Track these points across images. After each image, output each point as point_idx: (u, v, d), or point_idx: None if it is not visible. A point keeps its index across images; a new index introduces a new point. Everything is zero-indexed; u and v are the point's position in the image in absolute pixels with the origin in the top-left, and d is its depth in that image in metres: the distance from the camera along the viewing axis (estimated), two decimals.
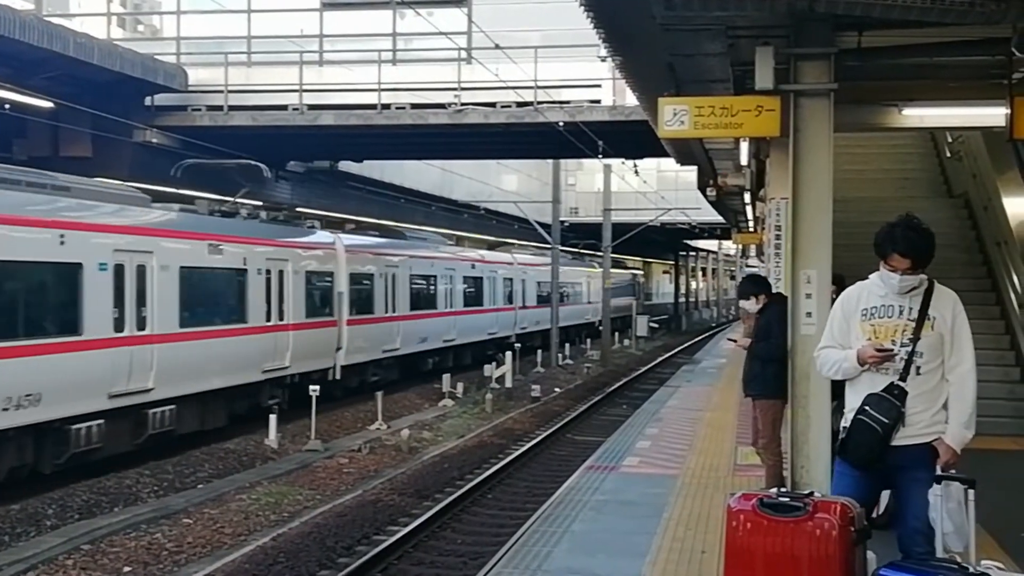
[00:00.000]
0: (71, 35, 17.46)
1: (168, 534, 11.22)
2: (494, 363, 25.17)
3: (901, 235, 5.03)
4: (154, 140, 19.98)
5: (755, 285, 9.16)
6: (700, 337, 47.91)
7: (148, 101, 20.58)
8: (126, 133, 19.13)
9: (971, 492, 5.51)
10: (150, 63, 19.63)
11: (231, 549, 10.74)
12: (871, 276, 5.26)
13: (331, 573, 9.85)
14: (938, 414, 5.07)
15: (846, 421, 5.18)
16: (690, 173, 27.35)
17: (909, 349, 5.03)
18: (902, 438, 5.03)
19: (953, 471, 5.02)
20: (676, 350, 39.57)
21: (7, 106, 16.88)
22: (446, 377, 23.44)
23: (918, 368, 5.05)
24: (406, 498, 13.11)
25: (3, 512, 11.57)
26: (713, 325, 63.09)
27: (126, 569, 10.04)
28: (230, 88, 20.82)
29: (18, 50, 16.35)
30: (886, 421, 4.98)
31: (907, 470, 5.06)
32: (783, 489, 5.06)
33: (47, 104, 17.06)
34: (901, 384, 5.02)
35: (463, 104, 20.85)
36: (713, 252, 78.80)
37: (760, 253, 31.64)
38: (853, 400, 5.17)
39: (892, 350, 5.02)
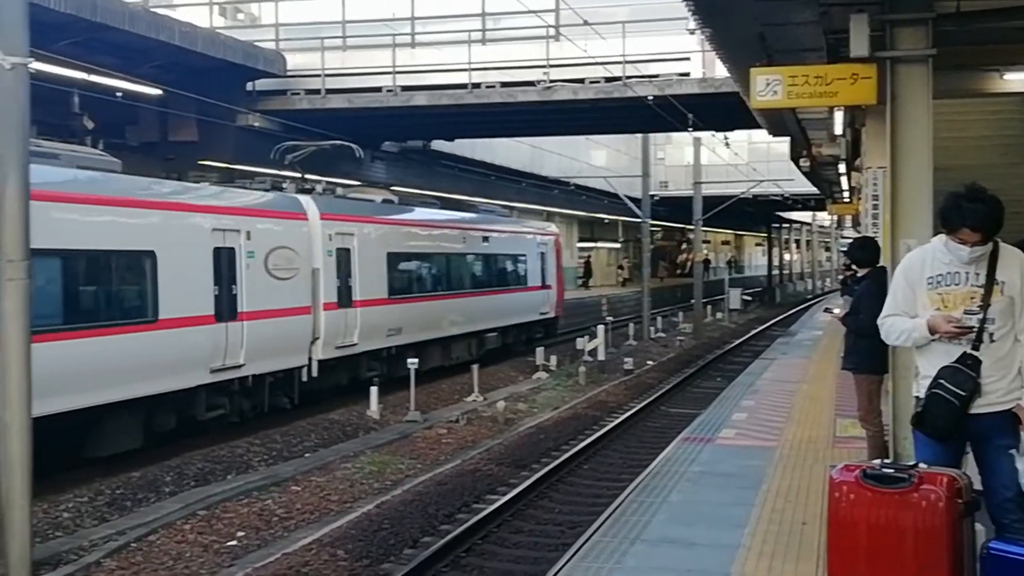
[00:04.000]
0: (176, 25, 18.07)
1: (278, 500, 11.57)
2: (587, 336, 25.32)
3: (970, 208, 4.91)
4: (256, 124, 20.58)
5: (861, 250, 8.76)
6: (795, 309, 47.27)
7: (249, 86, 21.20)
8: (230, 118, 19.72)
9: None
10: (251, 50, 20.21)
11: (338, 515, 11.04)
12: (933, 241, 5.20)
13: (433, 540, 10.07)
14: (1015, 380, 4.99)
15: (920, 391, 5.11)
16: (782, 144, 27.08)
17: (980, 316, 4.94)
18: (980, 407, 4.96)
19: None
20: (770, 323, 39.10)
21: (119, 94, 17.54)
22: (540, 350, 23.66)
23: (991, 335, 4.97)
24: (504, 468, 13.29)
25: (126, 479, 12.08)
26: (808, 297, 62.10)
27: (239, 534, 10.40)
28: (327, 72, 21.30)
29: (127, 40, 17.01)
30: (962, 393, 4.91)
31: (989, 439, 5.00)
32: (887, 460, 5.02)
33: (156, 91, 17.68)
34: (974, 353, 4.95)
35: (552, 81, 20.99)
36: (807, 224, 77.51)
37: (856, 224, 31.18)
38: (927, 368, 5.10)
39: (972, 328, 4.93)
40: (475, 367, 19.97)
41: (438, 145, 29.39)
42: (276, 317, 15.88)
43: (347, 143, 19.78)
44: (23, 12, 8.53)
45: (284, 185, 17.94)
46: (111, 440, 13.05)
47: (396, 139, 27.81)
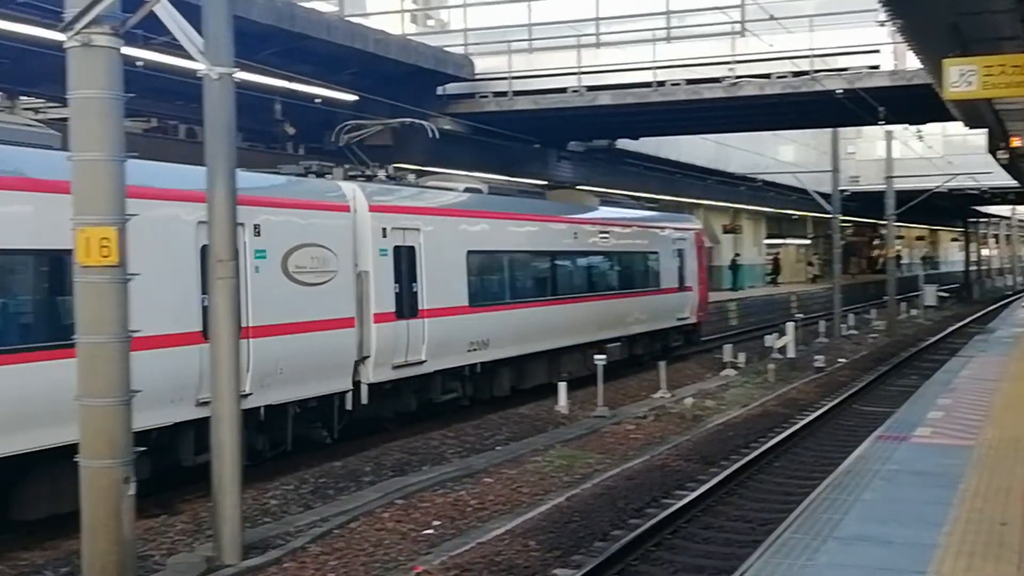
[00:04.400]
0: (371, 33, 18.89)
1: (471, 492, 11.92)
2: (776, 333, 24.95)
3: None
4: (446, 127, 21.19)
5: None
6: (994, 306, 45.12)
7: (440, 90, 21.86)
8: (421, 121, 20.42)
9: None
10: (441, 55, 20.86)
11: (529, 507, 11.30)
12: None
13: (623, 533, 10.20)
14: None
15: None
16: (979, 136, 25.97)
17: None
18: None
19: None
20: (968, 320, 37.54)
21: (318, 100, 18.46)
22: (727, 347, 23.48)
23: None
24: (692, 464, 13.34)
25: (328, 468, 12.72)
26: (1008, 294, 59.08)
27: (435, 523, 10.77)
28: (513, 74, 21.76)
29: (325, 49, 17.88)
30: None
31: None
32: None
33: (352, 97, 18.50)
34: None
35: (737, 77, 20.83)
36: (1007, 218, 73.73)
37: None
38: None
39: None
40: (662, 364, 20.02)
41: (623, 144, 29.53)
42: (301, 332, 12.96)
43: (418, 121, 17.88)
44: (228, 25, 9.15)
45: (332, 170, 15.20)
46: (54, 496, 9.87)
47: (581, 139, 28.12)
